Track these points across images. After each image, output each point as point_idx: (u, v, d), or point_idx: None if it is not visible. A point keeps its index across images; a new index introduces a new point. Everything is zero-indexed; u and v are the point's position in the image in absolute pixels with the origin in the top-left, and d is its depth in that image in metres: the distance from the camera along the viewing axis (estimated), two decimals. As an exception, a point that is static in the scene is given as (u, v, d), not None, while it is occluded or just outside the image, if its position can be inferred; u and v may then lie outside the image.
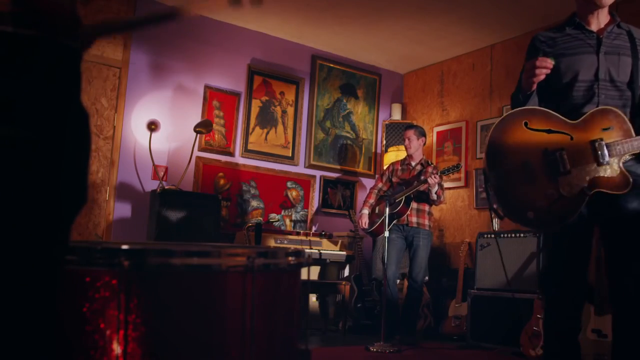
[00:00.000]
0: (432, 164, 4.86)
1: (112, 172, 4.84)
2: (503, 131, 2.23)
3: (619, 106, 2.20)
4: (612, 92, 2.24)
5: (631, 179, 2.11)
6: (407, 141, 4.83)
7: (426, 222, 4.71)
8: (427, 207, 4.74)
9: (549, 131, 2.18)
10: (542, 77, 2.20)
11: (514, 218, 2.20)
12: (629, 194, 2.13)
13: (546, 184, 2.15)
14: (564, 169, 2.14)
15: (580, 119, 2.18)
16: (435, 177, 4.51)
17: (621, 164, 2.13)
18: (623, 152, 2.12)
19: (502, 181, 2.21)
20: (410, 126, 4.97)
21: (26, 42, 0.73)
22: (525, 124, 2.20)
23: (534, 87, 2.25)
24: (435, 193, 4.60)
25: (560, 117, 2.19)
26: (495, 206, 2.20)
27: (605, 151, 2.12)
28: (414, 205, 4.69)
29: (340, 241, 5.45)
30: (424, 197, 4.68)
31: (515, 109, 2.27)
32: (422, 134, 4.85)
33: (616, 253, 2.18)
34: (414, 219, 4.68)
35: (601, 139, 2.14)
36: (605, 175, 2.12)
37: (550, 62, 2.21)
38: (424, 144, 4.89)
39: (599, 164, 2.12)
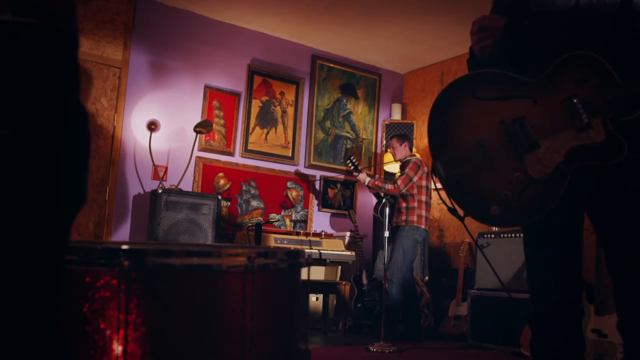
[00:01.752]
0: (412, 161, 4.91)
1: (112, 172, 4.84)
2: (446, 108, 1.71)
3: (609, 43, 1.60)
4: (600, 25, 1.61)
5: (625, 143, 1.52)
6: (391, 149, 5.13)
7: (403, 217, 4.78)
8: (403, 204, 4.83)
9: (503, 98, 1.64)
10: (490, 41, 1.70)
11: (477, 217, 1.68)
12: (629, 163, 1.57)
13: (510, 167, 1.62)
14: (529, 142, 1.60)
15: (543, 75, 1.61)
16: (354, 173, 5.12)
17: (609, 124, 1.54)
18: (607, 106, 1.54)
19: (454, 172, 1.67)
20: (392, 136, 5.32)
21: (26, 31, 0.72)
22: (473, 94, 1.67)
23: (488, 51, 1.71)
24: (369, 185, 4.96)
25: (517, 76, 1.64)
26: (452, 205, 1.68)
27: (581, 110, 1.56)
28: (396, 205, 4.87)
29: (340, 241, 5.45)
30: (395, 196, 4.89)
31: (457, 78, 1.72)
32: (403, 139, 5.09)
33: (616, 244, 1.67)
34: (394, 219, 4.82)
35: (573, 95, 1.57)
36: (588, 143, 1.56)
37: (500, 21, 1.70)
38: (410, 147, 5.09)
39: (578, 129, 1.56)
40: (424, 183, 4.88)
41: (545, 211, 1.60)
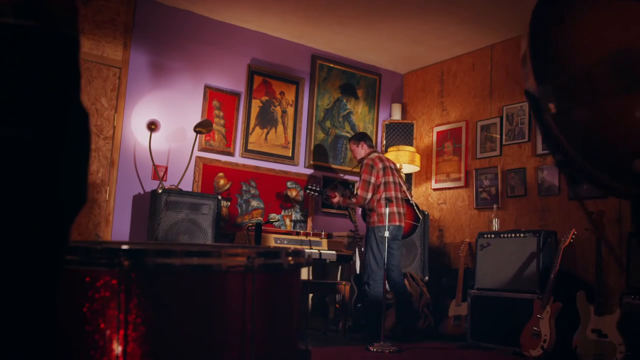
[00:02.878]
0: (364, 162, 4.86)
1: (112, 172, 4.84)
2: (559, 11, 1.12)
3: None
4: None
5: None
6: (352, 153, 5.20)
7: (372, 219, 4.76)
8: (366, 207, 4.86)
9: None
10: None
11: (607, 174, 0.99)
12: None
13: None
14: None
15: None
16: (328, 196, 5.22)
17: None
18: None
19: (572, 102, 1.02)
20: (349, 139, 5.34)
21: (27, 33, 0.72)
22: None
23: None
24: (341, 205, 5.15)
25: None
26: (559, 157, 1.02)
27: None
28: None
29: (340, 241, 5.45)
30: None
31: None
32: (358, 139, 5.10)
33: None
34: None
35: None
36: None
37: None
38: (369, 144, 5.07)
39: None
40: (382, 180, 4.76)
41: None
